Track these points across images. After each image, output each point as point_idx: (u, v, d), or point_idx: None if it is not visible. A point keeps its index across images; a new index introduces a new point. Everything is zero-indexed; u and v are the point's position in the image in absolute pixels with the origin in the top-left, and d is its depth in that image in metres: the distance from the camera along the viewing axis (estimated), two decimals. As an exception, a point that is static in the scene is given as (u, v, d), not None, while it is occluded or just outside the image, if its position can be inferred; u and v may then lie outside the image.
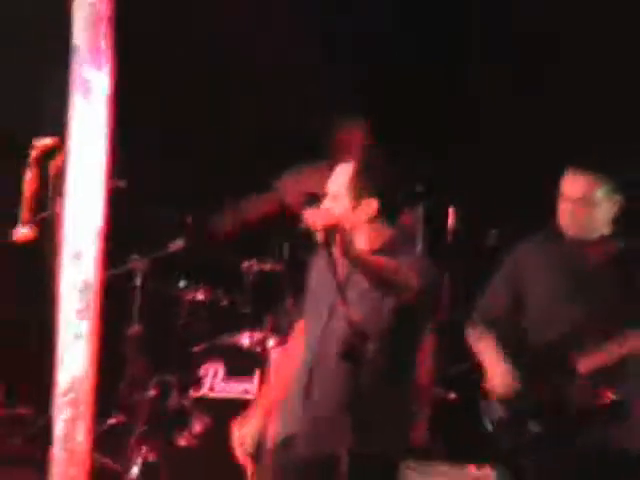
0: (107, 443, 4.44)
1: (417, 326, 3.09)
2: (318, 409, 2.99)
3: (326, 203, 2.95)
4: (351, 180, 2.96)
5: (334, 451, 2.76)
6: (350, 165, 3.02)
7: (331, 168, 3.13)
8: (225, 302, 4.83)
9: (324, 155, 4.81)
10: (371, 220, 2.97)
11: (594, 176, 3.35)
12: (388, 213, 3.01)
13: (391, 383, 2.98)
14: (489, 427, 3.39)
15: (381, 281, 2.81)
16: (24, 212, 3.63)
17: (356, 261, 2.75)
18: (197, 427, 4.42)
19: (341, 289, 2.73)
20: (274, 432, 3.17)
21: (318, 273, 3.08)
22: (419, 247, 4.37)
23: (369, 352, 2.77)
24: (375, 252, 2.92)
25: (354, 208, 2.96)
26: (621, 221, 3.40)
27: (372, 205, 2.96)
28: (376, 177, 3.00)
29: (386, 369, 2.96)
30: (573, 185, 3.36)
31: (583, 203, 3.33)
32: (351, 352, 2.71)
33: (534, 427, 3.25)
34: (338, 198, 2.97)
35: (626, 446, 3.25)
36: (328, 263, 2.72)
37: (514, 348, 3.38)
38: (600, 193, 3.33)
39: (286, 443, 3.03)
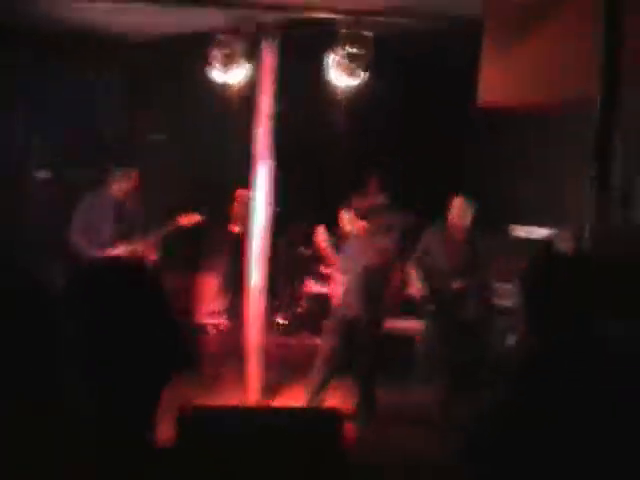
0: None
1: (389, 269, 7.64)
2: (353, 300, 7.57)
3: (343, 217, 7.47)
4: (349, 209, 7.46)
5: (358, 318, 7.38)
6: (350, 210, 7.51)
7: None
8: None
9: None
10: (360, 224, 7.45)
11: (466, 199, 7.79)
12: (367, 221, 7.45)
13: (382, 286, 7.61)
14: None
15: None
16: (234, 220, 8.28)
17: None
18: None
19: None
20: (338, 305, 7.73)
21: (349, 246, 7.61)
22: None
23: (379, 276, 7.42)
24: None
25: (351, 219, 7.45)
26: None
27: (359, 220, 7.45)
28: (361, 208, 7.48)
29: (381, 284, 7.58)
30: (458, 202, 7.80)
31: (462, 211, 7.80)
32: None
33: (431, 307, 7.77)
34: (346, 215, 7.46)
35: (464, 316, 7.70)
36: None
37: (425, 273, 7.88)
38: (468, 207, 7.79)
39: (339, 313, 7.67)
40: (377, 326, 7.56)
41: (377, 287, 7.54)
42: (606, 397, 2.51)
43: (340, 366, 7.88)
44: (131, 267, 1.96)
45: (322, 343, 7.62)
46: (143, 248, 8.15)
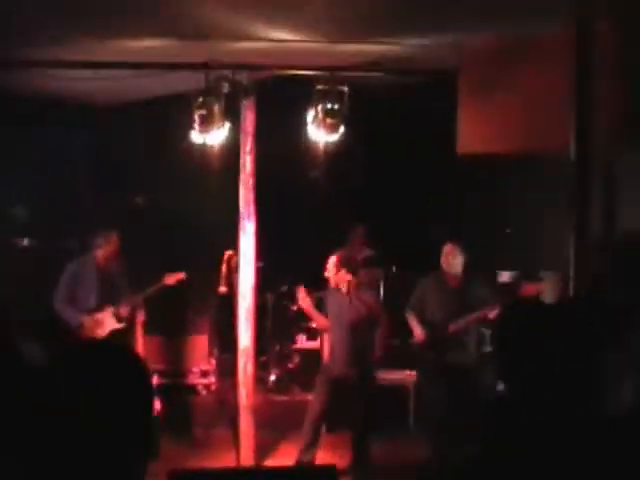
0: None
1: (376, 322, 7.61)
2: (342, 355, 7.54)
3: (328, 272, 7.47)
4: (335, 263, 7.47)
5: (348, 373, 7.34)
6: (334, 257, 7.48)
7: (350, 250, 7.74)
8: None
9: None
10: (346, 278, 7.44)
11: (457, 246, 7.82)
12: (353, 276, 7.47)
13: (370, 343, 7.58)
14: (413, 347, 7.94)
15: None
16: (222, 280, 8.36)
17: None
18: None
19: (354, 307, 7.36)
20: (325, 364, 7.72)
21: (334, 301, 7.60)
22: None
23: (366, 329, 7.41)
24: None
25: (336, 274, 7.45)
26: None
27: (345, 274, 7.45)
28: (346, 262, 7.49)
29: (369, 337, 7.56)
30: (448, 249, 7.84)
31: (453, 258, 7.83)
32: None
33: (432, 353, 7.77)
34: (330, 270, 7.47)
35: (462, 361, 7.70)
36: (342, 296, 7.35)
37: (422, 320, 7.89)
38: (459, 254, 7.81)
39: (329, 369, 7.62)
40: (367, 380, 7.50)
41: (364, 341, 7.49)
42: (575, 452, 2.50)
43: (333, 422, 7.83)
44: (117, 354, 1.93)
45: (313, 399, 7.56)
46: (130, 310, 8.14)
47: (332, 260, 7.44)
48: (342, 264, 7.42)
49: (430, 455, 7.43)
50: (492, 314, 7.51)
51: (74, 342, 5.83)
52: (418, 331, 7.81)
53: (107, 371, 1.87)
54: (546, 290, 7.61)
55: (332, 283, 7.48)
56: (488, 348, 8.21)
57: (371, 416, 7.49)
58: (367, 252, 9.83)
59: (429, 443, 7.67)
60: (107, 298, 8.02)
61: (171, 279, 8.18)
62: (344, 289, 7.42)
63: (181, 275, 8.22)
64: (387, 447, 8.07)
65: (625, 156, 6.37)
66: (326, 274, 7.50)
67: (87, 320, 7.91)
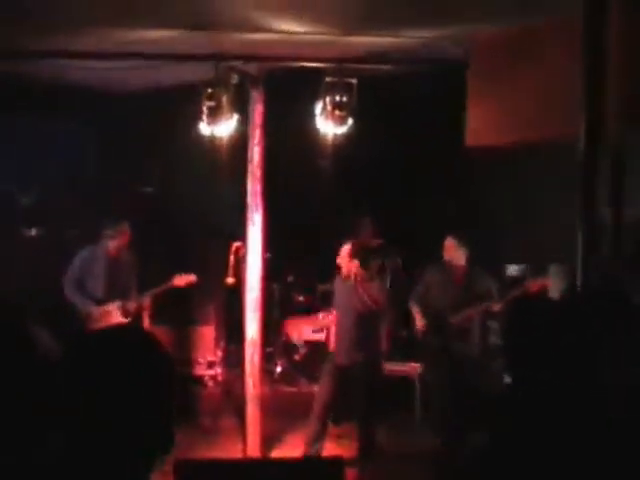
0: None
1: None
2: (347, 344, 7.55)
3: (340, 259, 7.45)
4: (349, 252, 7.48)
5: (353, 362, 7.33)
6: (348, 245, 7.50)
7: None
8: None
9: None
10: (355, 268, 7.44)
11: (458, 239, 7.85)
12: (364, 266, 7.48)
13: (376, 334, 7.59)
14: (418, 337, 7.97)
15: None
16: (230, 271, 8.36)
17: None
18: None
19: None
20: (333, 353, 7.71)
21: (342, 290, 7.58)
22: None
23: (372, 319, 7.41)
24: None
25: (348, 263, 7.45)
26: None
27: (355, 263, 7.46)
28: (358, 252, 7.49)
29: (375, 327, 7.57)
30: (449, 243, 7.87)
31: (454, 251, 7.85)
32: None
33: (435, 341, 7.79)
34: (342, 258, 7.45)
35: (466, 351, 7.72)
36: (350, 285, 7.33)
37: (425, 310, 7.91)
38: (460, 247, 7.84)
39: (334, 358, 7.61)
40: (373, 370, 7.50)
41: (370, 331, 7.49)
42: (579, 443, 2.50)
43: (339, 411, 7.84)
44: (137, 339, 1.91)
45: (319, 389, 7.57)
46: (139, 304, 8.15)
47: (345, 249, 7.42)
48: (354, 254, 7.40)
49: (439, 444, 7.45)
50: (496, 307, 7.54)
51: (89, 331, 5.76)
52: (419, 320, 7.86)
53: (129, 358, 1.85)
54: (553, 283, 7.60)
55: (343, 271, 7.45)
56: (493, 340, 8.23)
57: (376, 406, 7.49)
58: (377, 242, 9.82)
59: (435, 432, 7.70)
60: (115, 289, 8.02)
61: (180, 281, 8.14)
62: (353, 279, 7.40)
63: (191, 278, 8.16)
64: (394, 438, 8.08)
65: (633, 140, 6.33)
66: (338, 261, 7.47)
67: (95, 310, 7.92)
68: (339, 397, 7.50)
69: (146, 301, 8.26)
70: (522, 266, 8.77)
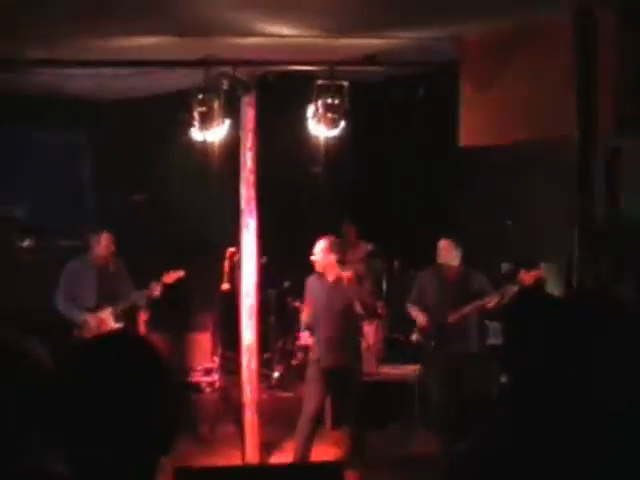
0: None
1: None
2: (334, 344, 7.35)
3: (316, 255, 7.25)
4: (325, 247, 7.26)
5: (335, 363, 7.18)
6: (325, 241, 7.23)
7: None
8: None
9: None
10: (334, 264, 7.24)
11: (451, 241, 7.83)
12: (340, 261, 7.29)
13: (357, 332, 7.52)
14: (415, 339, 7.95)
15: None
16: (225, 277, 8.34)
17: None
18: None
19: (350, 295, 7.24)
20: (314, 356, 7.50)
21: (320, 287, 7.34)
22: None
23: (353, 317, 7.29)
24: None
25: (324, 258, 7.19)
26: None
27: (331, 258, 7.23)
28: (335, 247, 7.27)
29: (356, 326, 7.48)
30: (443, 245, 7.85)
31: (448, 252, 7.83)
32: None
33: (433, 342, 7.77)
34: (319, 254, 7.24)
35: (464, 352, 7.70)
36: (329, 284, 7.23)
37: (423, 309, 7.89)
38: (454, 248, 7.81)
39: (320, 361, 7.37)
40: (359, 373, 7.45)
41: (353, 330, 7.41)
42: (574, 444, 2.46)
43: (337, 417, 7.81)
44: (128, 344, 1.91)
45: (306, 396, 7.39)
46: (132, 310, 8.12)
47: (322, 244, 7.20)
48: (333, 249, 7.24)
49: (439, 448, 7.41)
50: (491, 304, 7.53)
51: (83, 340, 5.74)
52: (420, 317, 7.85)
53: (122, 364, 1.84)
54: (546, 280, 7.62)
55: (319, 267, 7.28)
56: (491, 340, 8.22)
57: (365, 408, 7.43)
58: (368, 246, 9.79)
59: (435, 435, 7.67)
60: (107, 297, 7.99)
61: (170, 278, 8.11)
62: (331, 276, 7.27)
63: (180, 273, 8.13)
64: (393, 443, 8.05)
65: (628, 141, 6.33)
66: (313, 258, 7.27)
67: (90, 318, 7.88)
68: (335, 400, 7.45)
69: (138, 303, 8.19)
70: (512, 264, 8.75)
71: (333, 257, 7.19)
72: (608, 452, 2.40)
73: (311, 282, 7.42)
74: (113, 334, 2.59)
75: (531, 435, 2.43)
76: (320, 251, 7.20)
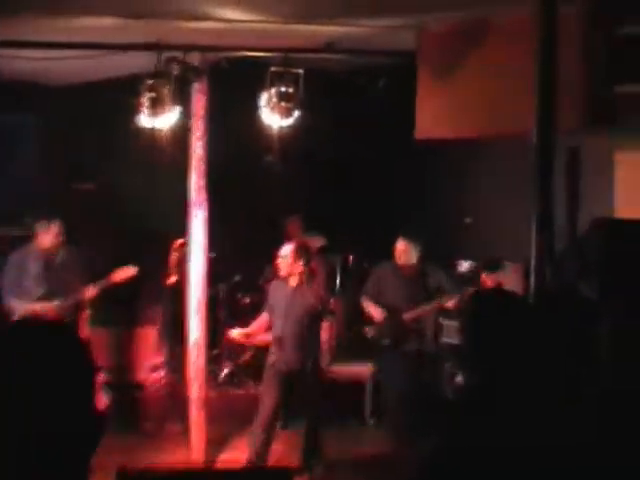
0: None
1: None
2: (292, 348, 7.20)
3: (281, 260, 7.16)
4: (292, 252, 7.16)
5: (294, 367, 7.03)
6: (291, 246, 7.17)
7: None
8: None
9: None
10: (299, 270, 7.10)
11: (409, 241, 7.66)
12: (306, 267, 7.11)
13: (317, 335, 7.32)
14: (369, 335, 7.77)
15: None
16: (171, 270, 8.09)
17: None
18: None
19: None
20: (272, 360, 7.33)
21: (281, 293, 7.21)
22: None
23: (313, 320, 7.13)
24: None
25: (292, 264, 7.09)
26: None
27: (299, 264, 7.10)
28: (303, 252, 7.16)
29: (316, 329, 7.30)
30: (400, 245, 7.68)
31: (405, 253, 7.66)
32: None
33: (387, 339, 7.60)
34: (285, 259, 7.15)
35: (420, 347, 7.55)
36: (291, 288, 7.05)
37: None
38: (411, 249, 7.65)
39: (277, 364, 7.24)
40: (316, 374, 7.24)
41: (312, 334, 7.21)
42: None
43: (287, 418, 7.62)
44: (48, 329, 1.83)
45: (263, 397, 7.20)
46: (76, 301, 7.77)
47: (288, 249, 7.10)
48: (299, 255, 7.11)
49: (395, 447, 7.26)
50: (450, 303, 7.46)
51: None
52: (376, 312, 7.69)
53: (41, 349, 1.77)
54: (505, 281, 7.51)
55: (283, 273, 7.16)
56: (446, 339, 8.11)
57: (321, 410, 7.26)
58: (320, 241, 9.56)
59: (390, 434, 7.53)
60: (54, 288, 7.66)
61: (119, 276, 7.66)
62: (295, 280, 7.11)
63: (131, 271, 7.66)
64: (343, 442, 7.88)
65: (588, 141, 6.26)
66: (278, 263, 7.16)
67: (30, 308, 7.53)
68: (288, 403, 7.26)
69: (86, 298, 7.81)
70: (472, 263, 8.64)
71: (299, 263, 7.04)
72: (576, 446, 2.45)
73: (273, 287, 7.34)
74: (37, 322, 2.44)
75: (503, 431, 2.44)
76: (286, 256, 7.05)
